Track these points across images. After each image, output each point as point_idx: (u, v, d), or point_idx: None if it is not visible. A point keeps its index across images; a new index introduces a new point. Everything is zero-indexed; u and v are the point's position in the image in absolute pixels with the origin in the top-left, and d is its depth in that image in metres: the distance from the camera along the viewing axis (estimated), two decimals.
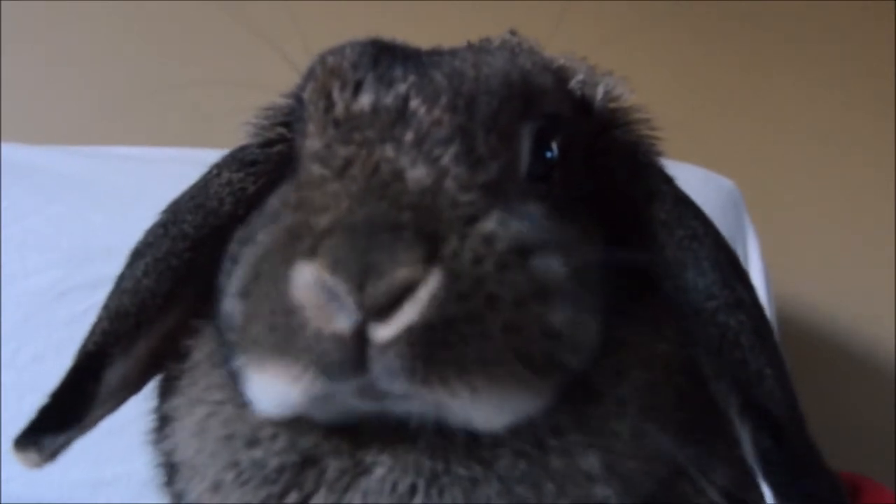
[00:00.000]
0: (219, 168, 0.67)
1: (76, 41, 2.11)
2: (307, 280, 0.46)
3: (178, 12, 2.11)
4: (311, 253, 0.46)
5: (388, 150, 0.50)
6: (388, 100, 0.53)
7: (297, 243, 0.48)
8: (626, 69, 0.69)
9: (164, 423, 0.63)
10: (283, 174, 0.62)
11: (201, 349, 0.62)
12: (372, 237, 0.45)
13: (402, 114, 0.52)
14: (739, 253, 0.62)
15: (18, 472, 0.60)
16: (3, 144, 1.66)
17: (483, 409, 0.48)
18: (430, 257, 0.45)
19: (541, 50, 0.70)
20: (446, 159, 0.51)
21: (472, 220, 0.48)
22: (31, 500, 1.31)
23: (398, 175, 0.49)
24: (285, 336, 0.47)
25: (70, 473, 1.36)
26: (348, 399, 0.49)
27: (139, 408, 0.67)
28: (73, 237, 1.52)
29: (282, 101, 0.66)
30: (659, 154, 0.67)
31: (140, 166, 1.66)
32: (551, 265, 0.50)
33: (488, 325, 0.46)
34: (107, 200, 1.56)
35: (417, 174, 0.49)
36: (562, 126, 0.59)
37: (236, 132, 0.69)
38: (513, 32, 0.74)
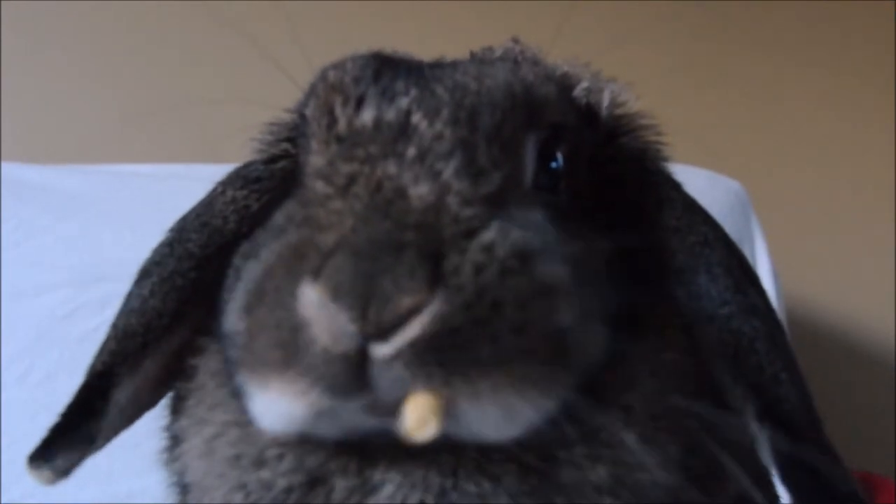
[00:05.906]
0: (223, 186, 0.67)
1: (84, 60, 2.13)
2: (313, 300, 0.46)
3: (184, 31, 2.13)
4: (316, 274, 0.46)
5: (391, 167, 0.50)
6: (391, 115, 0.53)
7: (303, 261, 0.48)
8: (630, 71, 0.68)
9: (174, 442, 0.63)
10: (287, 190, 0.61)
11: (206, 368, 0.61)
12: (375, 261, 0.45)
13: (404, 129, 0.52)
14: (747, 254, 0.63)
15: (31, 491, 0.61)
16: (12, 164, 1.67)
17: (492, 414, 0.47)
18: (434, 279, 0.45)
19: (543, 58, 0.70)
20: (448, 173, 0.50)
21: (472, 233, 0.48)
22: None
23: (401, 192, 0.49)
24: (292, 352, 0.47)
25: (84, 490, 1.36)
26: (356, 417, 0.48)
27: (154, 424, 0.67)
28: (83, 255, 1.53)
29: (286, 117, 0.67)
30: (666, 160, 0.66)
31: (149, 183, 1.67)
32: (554, 267, 0.50)
33: (494, 328, 0.46)
34: (116, 218, 1.57)
35: (420, 191, 0.49)
36: (567, 136, 0.59)
37: (244, 148, 0.69)
38: (515, 40, 0.73)
